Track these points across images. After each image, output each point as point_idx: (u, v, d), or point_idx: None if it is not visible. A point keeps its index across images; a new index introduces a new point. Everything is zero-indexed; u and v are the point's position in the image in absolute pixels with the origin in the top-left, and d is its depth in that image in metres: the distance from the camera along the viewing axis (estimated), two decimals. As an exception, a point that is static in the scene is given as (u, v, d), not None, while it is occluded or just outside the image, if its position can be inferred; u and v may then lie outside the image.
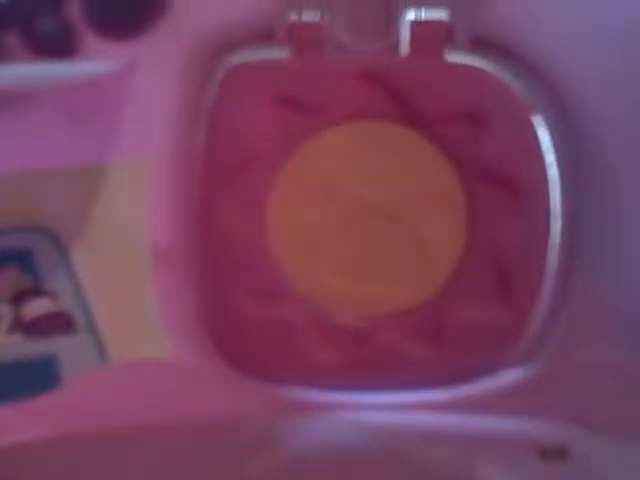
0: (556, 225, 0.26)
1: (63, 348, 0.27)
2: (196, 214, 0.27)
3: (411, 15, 0.26)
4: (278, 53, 0.26)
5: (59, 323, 0.27)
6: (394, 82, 0.26)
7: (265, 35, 0.26)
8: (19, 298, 0.27)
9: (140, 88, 0.26)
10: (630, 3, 0.25)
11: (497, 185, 0.26)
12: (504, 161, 0.26)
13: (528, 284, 0.27)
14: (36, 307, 0.27)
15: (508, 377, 0.27)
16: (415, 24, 0.26)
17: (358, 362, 0.27)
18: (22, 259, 0.27)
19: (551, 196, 0.26)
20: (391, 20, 0.26)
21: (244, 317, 0.28)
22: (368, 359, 0.27)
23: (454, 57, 0.26)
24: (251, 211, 0.27)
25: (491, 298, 0.27)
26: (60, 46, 0.26)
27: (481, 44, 0.25)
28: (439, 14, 0.25)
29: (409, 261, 0.27)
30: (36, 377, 0.27)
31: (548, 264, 0.27)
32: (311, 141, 0.27)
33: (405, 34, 0.26)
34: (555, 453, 0.25)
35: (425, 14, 0.25)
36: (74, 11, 0.26)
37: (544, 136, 0.26)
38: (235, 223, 0.27)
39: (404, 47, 0.26)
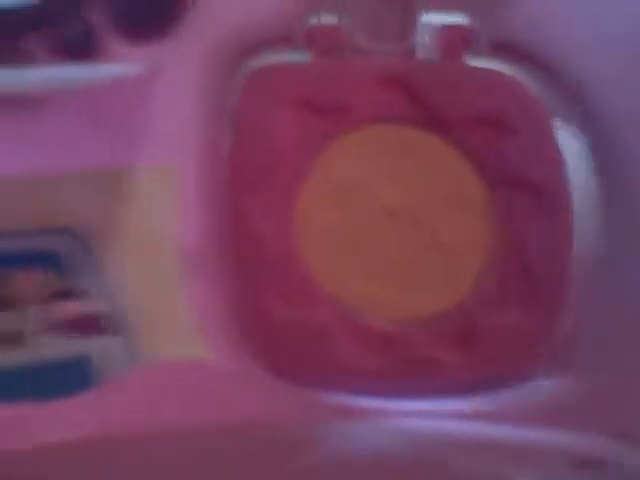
0: (581, 227, 0.26)
1: (96, 349, 0.28)
2: (224, 218, 0.27)
3: (431, 19, 0.25)
4: (298, 56, 0.26)
5: (91, 324, 0.28)
6: (414, 85, 0.26)
7: (285, 38, 0.26)
8: (50, 299, 0.28)
9: (163, 91, 0.27)
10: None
11: (520, 188, 0.26)
12: (527, 165, 0.26)
13: (555, 288, 0.27)
14: (67, 309, 0.28)
15: (542, 386, 0.27)
16: (435, 28, 0.25)
17: (389, 366, 0.28)
18: (51, 261, 0.27)
19: (575, 199, 0.26)
20: (410, 23, 0.25)
21: (275, 320, 0.28)
22: (399, 363, 0.28)
23: (474, 61, 0.25)
24: (278, 214, 0.28)
25: (519, 302, 0.27)
26: (85, 49, 0.26)
27: (501, 48, 0.25)
28: (459, 18, 0.25)
29: (434, 265, 0.27)
30: (69, 378, 0.28)
31: (574, 267, 0.26)
32: (334, 144, 0.27)
33: (424, 38, 0.25)
34: (591, 465, 0.25)
35: (444, 18, 0.25)
36: (98, 15, 0.26)
37: (566, 139, 0.25)
38: (263, 227, 0.28)
39: (423, 51, 0.25)
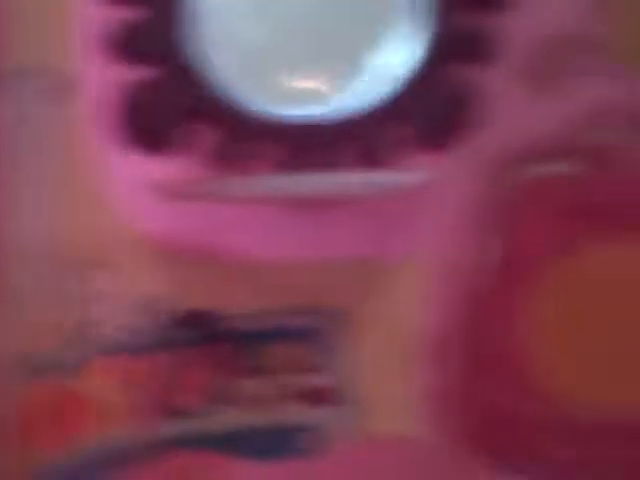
0: None
1: (329, 419, 0.29)
2: (466, 313, 0.29)
3: None
4: (571, 168, 0.27)
5: (330, 396, 0.29)
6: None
7: (564, 151, 0.27)
8: (301, 370, 0.29)
9: (441, 194, 0.28)
10: None
11: None
12: None
13: None
14: (313, 380, 0.29)
15: None
16: None
17: (594, 457, 0.29)
18: (310, 337, 0.29)
19: None
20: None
21: (498, 411, 0.29)
22: (602, 455, 0.29)
23: None
24: (514, 315, 0.29)
25: None
26: (387, 159, 0.27)
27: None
28: None
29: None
30: (301, 441, 0.29)
31: None
32: (582, 251, 0.28)
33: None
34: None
35: None
36: (407, 128, 0.27)
37: None
38: (499, 326, 0.29)
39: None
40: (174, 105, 0.25)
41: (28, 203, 0.26)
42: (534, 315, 0.29)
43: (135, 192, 0.26)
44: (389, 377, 0.30)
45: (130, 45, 0.25)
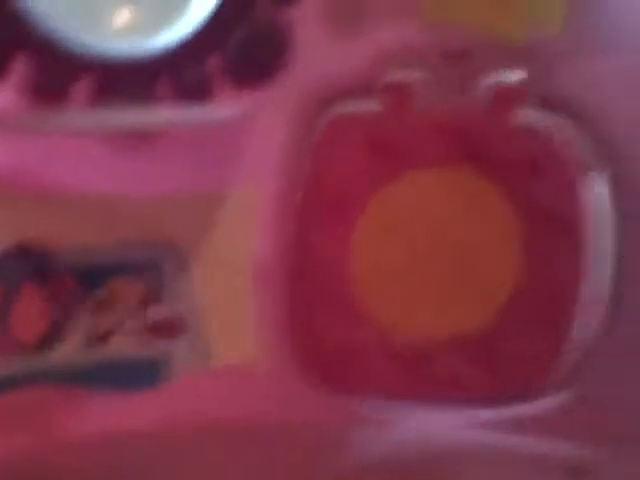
0: (601, 262, 0.30)
1: (175, 349, 0.31)
2: (293, 242, 0.31)
3: (489, 77, 0.30)
4: (373, 106, 0.30)
5: (175, 327, 0.31)
6: (469, 134, 0.30)
7: (364, 90, 0.30)
8: (145, 303, 0.31)
9: (260, 128, 0.30)
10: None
11: (550, 223, 0.30)
12: (557, 201, 0.30)
13: (573, 312, 0.31)
14: (157, 312, 0.31)
15: (551, 400, 0.31)
16: (492, 85, 0.30)
17: (419, 380, 0.32)
18: (150, 270, 0.31)
19: (598, 230, 0.30)
20: (472, 81, 0.30)
21: (324, 337, 0.32)
22: (428, 378, 0.32)
23: (523, 113, 0.30)
24: (339, 243, 0.31)
25: (539, 325, 0.31)
26: (199, 93, 0.30)
27: (547, 102, 0.29)
28: (513, 76, 0.29)
29: (470, 291, 0.31)
30: (149, 373, 0.31)
31: (592, 293, 0.30)
32: (394, 183, 0.31)
33: (483, 93, 0.30)
34: (581, 471, 0.29)
35: (501, 76, 0.29)
36: (216, 64, 0.30)
37: (596, 185, 0.30)
38: (324, 253, 0.31)
39: (481, 104, 0.30)
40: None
41: None
42: (357, 248, 0.32)
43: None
44: (228, 308, 0.32)
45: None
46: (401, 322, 0.32)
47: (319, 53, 0.30)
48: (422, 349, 0.32)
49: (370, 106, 0.30)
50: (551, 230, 0.31)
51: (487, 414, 0.31)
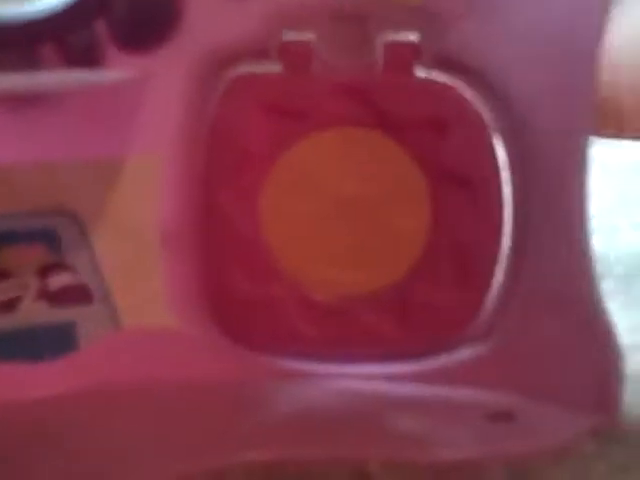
0: (506, 215, 0.30)
1: (81, 316, 0.31)
2: (200, 204, 0.31)
3: (385, 37, 0.29)
4: (271, 68, 0.30)
5: (79, 294, 0.31)
6: (370, 94, 0.30)
7: (261, 52, 0.30)
8: (45, 271, 0.31)
9: (153, 94, 0.30)
10: (567, 23, 0.28)
11: (456, 182, 0.30)
12: (462, 161, 0.30)
13: (483, 268, 0.31)
14: (59, 279, 0.31)
15: (465, 352, 0.31)
16: (388, 45, 0.29)
17: (335, 335, 0.32)
18: (48, 238, 0.31)
19: (503, 190, 0.30)
20: (369, 41, 0.29)
21: (239, 294, 0.32)
22: (343, 333, 0.31)
23: (421, 73, 0.30)
24: (247, 203, 0.31)
25: (451, 281, 0.31)
26: (88, 58, 0.30)
27: (444, 62, 0.29)
28: (409, 36, 0.29)
29: (380, 248, 0.31)
30: (56, 341, 0.31)
31: (501, 249, 0.30)
32: (300, 143, 0.31)
33: (380, 53, 0.29)
34: (502, 417, 0.29)
35: (397, 36, 0.29)
36: (101, 28, 0.29)
37: (497, 140, 0.30)
38: (233, 214, 0.31)
39: (379, 64, 0.30)
40: None
41: None
42: (266, 206, 0.32)
43: None
44: (135, 273, 0.32)
45: None
46: (314, 277, 0.32)
47: (212, 15, 0.30)
48: (336, 304, 0.32)
49: (269, 68, 0.30)
50: (457, 189, 0.31)
51: (404, 367, 0.31)
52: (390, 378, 0.31)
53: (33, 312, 0.31)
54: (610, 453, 0.28)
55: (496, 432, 0.29)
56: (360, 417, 0.29)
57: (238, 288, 0.32)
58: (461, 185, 0.31)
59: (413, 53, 0.30)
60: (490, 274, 0.31)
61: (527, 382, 0.30)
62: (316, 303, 0.32)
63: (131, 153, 0.31)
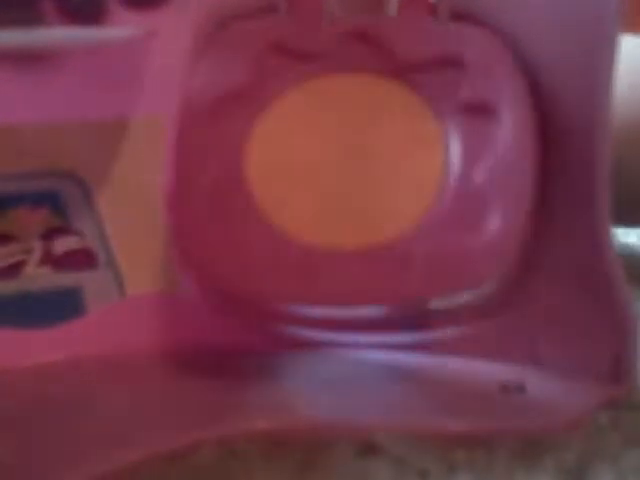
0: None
1: (87, 281, 0.31)
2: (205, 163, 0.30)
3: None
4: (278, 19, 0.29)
5: (84, 259, 0.31)
6: (382, 38, 0.29)
7: (270, 7, 0.29)
8: (50, 235, 0.31)
9: (159, 51, 0.29)
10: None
11: (479, 112, 0.29)
12: (485, 89, 0.29)
13: (501, 215, 0.29)
14: (64, 244, 0.31)
15: (477, 322, 0.30)
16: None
17: (323, 290, 0.30)
18: (53, 201, 0.30)
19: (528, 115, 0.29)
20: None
21: (219, 243, 0.30)
22: (332, 289, 0.30)
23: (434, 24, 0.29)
24: (233, 148, 0.30)
25: (464, 229, 0.29)
26: (91, 15, 0.29)
27: (459, 16, 0.28)
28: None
29: (386, 201, 0.30)
30: (61, 306, 0.31)
31: (522, 194, 0.29)
32: (301, 87, 0.30)
33: (394, 8, 0.28)
34: (514, 388, 0.28)
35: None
36: None
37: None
38: (219, 157, 0.30)
39: (392, 13, 0.28)
40: None
41: None
42: (259, 157, 0.30)
43: None
44: (139, 237, 0.31)
45: None
46: (306, 227, 0.30)
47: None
48: (328, 256, 0.30)
49: (275, 19, 0.29)
50: (481, 120, 0.29)
51: (413, 336, 0.31)
52: (397, 347, 0.30)
53: (37, 277, 0.30)
54: (624, 423, 0.27)
55: (508, 405, 0.28)
56: (366, 387, 0.29)
57: (244, 249, 0.30)
58: (484, 113, 0.29)
59: (427, 8, 0.28)
60: (511, 220, 0.29)
61: (541, 354, 0.29)
62: (303, 255, 0.30)
63: (136, 113, 0.30)
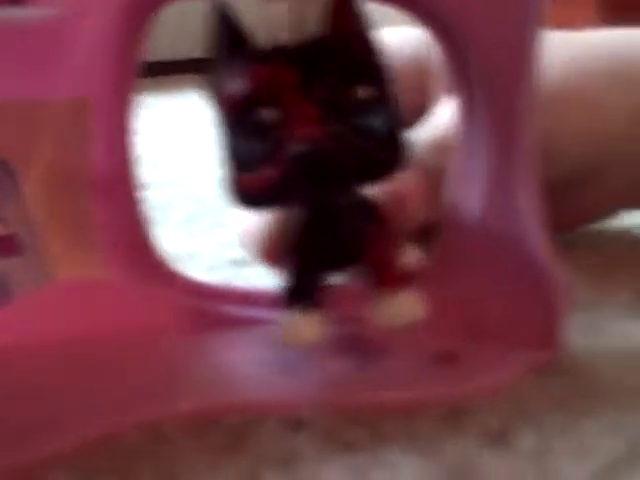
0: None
1: (13, 267, 0.31)
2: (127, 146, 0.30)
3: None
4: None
5: (8, 245, 0.31)
6: None
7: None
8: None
9: (84, 32, 0.29)
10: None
11: None
12: None
13: None
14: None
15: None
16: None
17: None
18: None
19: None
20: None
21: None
22: None
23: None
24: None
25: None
26: None
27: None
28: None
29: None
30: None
31: None
32: None
33: None
34: (446, 358, 0.29)
35: None
36: None
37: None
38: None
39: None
40: None
41: None
42: None
43: None
44: (67, 221, 0.31)
45: None
46: None
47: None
48: None
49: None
50: None
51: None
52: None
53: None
54: (550, 388, 0.28)
55: (439, 373, 0.28)
56: (295, 364, 0.29)
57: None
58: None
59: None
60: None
61: (470, 322, 0.30)
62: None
63: (60, 95, 0.30)
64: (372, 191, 0.29)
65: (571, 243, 0.40)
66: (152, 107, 0.86)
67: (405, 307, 0.28)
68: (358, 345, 0.30)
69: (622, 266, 0.37)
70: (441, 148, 0.33)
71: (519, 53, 0.28)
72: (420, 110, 0.36)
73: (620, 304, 0.34)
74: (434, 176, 0.32)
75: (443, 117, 0.34)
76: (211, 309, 0.31)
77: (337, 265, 0.28)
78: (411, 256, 0.30)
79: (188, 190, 0.53)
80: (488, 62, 0.28)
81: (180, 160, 0.63)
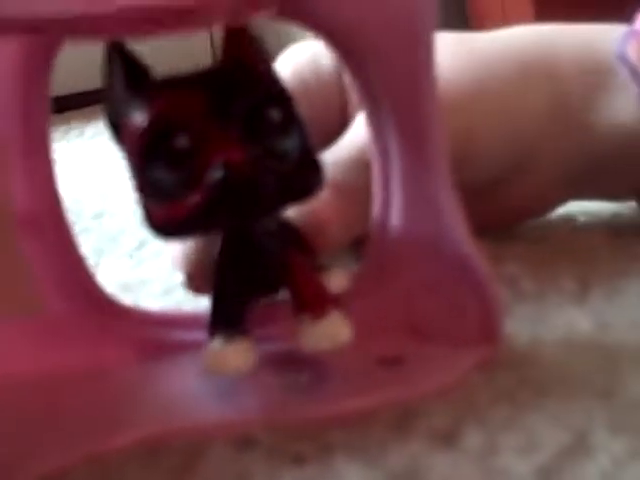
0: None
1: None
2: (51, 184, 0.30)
3: None
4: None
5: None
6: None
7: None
8: None
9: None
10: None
11: None
12: None
13: None
14: None
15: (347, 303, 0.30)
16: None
17: None
18: None
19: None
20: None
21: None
22: None
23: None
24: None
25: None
26: None
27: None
28: None
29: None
30: None
31: None
32: None
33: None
34: (391, 361, 0.29)
35: None
36: None
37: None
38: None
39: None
40: None
41: None
42: None
43: None
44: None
45: None
46: None
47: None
48: None
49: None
50: None
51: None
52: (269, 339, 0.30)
53: None
54: (495, 382, 0.28)
55: (385, 378, 0.29)
56: (237, 383, 0.29)
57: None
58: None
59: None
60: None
61: (417, 324, 0.30)
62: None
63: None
64: (289, 214, 0.29)
65: (514, 234, 0.40)
66: (92, 138, 0.86)
67: (329, 330, 0.28)
68: (297, 360, 0.29)
69: (565, 254, 0.37)
70: (358, 164, 0.33)
71: (416, 59, 0.28)
72: (344, 127, 0.36)
73: (564, 293, 0.34)
74: (354, 193, 0.32)
75: (357, 133, 0.34)
76: (156, 336, 0.31)
77: (260, 291, 0.28)
78: (337, 278, 0.30)
79: (138, 217, 0.53)
80: (388, 70, 0.28)
81: (128, 188, 0.62)
